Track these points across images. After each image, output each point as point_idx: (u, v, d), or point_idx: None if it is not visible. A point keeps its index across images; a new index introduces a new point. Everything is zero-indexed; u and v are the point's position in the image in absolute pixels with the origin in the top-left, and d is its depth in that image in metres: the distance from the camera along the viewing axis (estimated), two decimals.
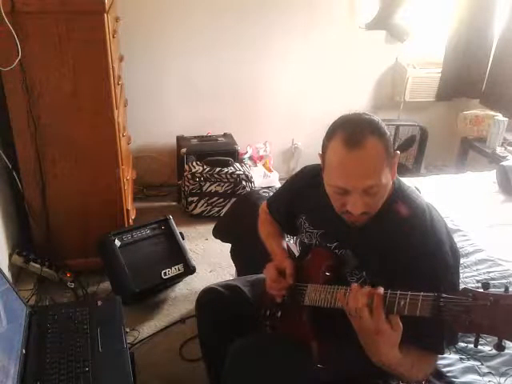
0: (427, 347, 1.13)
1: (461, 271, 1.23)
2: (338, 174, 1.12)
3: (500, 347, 0.87)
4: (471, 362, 1.44)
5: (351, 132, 1.09)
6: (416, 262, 1.12)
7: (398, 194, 1.21)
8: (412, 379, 1.18)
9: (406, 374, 1.13)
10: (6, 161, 2.13)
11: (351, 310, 1.06)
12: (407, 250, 1.14)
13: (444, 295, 0.92)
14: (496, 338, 0.87)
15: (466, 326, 0.87)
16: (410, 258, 1.12)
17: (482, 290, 0.89)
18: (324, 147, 1.16)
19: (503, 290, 0.87)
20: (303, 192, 1.40)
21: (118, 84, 2.33)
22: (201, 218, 3.03)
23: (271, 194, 2.08)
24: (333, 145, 1.12)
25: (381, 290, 1.02)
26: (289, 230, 1.53)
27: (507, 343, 1.47)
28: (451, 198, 2.36)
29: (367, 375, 1.30)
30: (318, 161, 1.24)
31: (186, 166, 3.04)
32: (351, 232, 1.23)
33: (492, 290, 0.88)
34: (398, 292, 1.00)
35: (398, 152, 1.17)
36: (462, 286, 1.01)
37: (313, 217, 1.36)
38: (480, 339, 1.47)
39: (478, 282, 1.74)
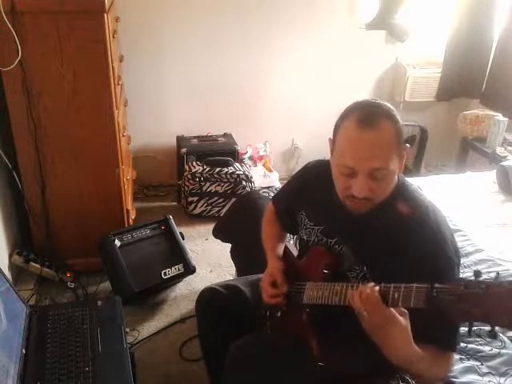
0: (441, 345, 1.12)
1: (461, 271, 1.23)
2: (347, 152, 1.13)
3: (493, 334, 0.87)
4: (471, 362, 1.44)
5: (366, 112, 1.11)
6: (420, 259, 1.12)
7: (401, 192, 1.21)
8: (432, 378, 1.17)
9: (425, 372, 1.12)
10: (6, 161, 2.13)
11: (357, 309, 1.06)
12: (408, 247, 1.14)
13: (436, 285, 0.92)
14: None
15: (460, 315, 0.88)
16: (414, 256, 1.12)
17: (473, 279, 0.89)
18: (336, 128, 1.17)
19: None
20: (304, 187, 1.40)
21: (118, 84, 2.33)
22: (201, 218, 3.03)
23: (271, 193, 2.09)
24: (346, 124, 1.13)
25: (371, 284, 1.04)
26: (290, 227, 1.52)
27: (507, 343, 1.49)
28: (451, 198, 2.36)
29: (368, 374, 1.30)
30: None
31: (186, 166, 3.04)
32: (351, 227, 1.23)
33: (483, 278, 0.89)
34: (392, 285, 1.00)
35: (408, 145, 1.17)
36: None
37: (313, 212, 1.36)
38: (480, 339, 1.50)
39: None
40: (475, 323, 0.89)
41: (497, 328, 0.86)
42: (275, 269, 1.39)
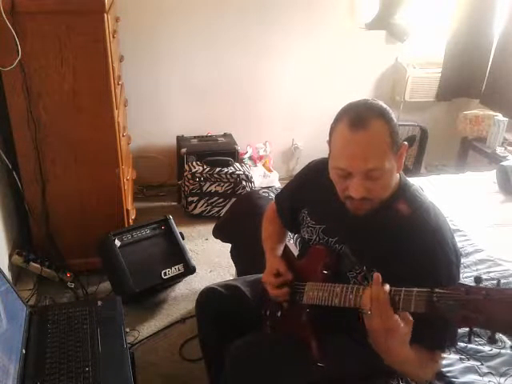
0: (429, 346, 1.13)
1: (461, 271, 1.23)
2: (341, 155, 1.13)
3: (493, 340, 0.87)
4: (471, 362, 1.44)
5: (357, 114, 1.11)
6: (420, 260, 1.12)
7: (402, 192, 1.21)
8: (420, 378, 1.19)
9: (414, 372, 1.15)
10: (6, 161, 2.13)
11: (363, 308, 1.05)
12: (408, 247, 1.14)
13: (437, 290, 0.92)
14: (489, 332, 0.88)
15: (460, 320, 0.88)
16: (414, 256, 1.12)
17: (474, 284, 0.89)
18: (331, 130, 1.18)
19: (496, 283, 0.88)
20: (307, 186, 1.41)
21: (118, 84, 2.33)
22: (201, 218, 3.03)
23: (271, 193, 2.09)
24: (339, 127, 1.14)
25: (386, 287, 1.01)
26: (292, 226, 1.52)
27: (507, 343, 1.49)
28: (451, 197, 2.36)
29: (367, 375, 1.30)
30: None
31: (186, 166, 3.04)
32: (352, 227, 1.23)
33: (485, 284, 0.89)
34: (393, 288, 1.00)
35: (406, 143, 1.17)
36: None
37: (315, 211, 1.36)
38: (479, 339, 1.50)
39: None
40: (475, 329, 0.89)
41: (497, 334, 0.87)
42: (276, 262, 1.38)
